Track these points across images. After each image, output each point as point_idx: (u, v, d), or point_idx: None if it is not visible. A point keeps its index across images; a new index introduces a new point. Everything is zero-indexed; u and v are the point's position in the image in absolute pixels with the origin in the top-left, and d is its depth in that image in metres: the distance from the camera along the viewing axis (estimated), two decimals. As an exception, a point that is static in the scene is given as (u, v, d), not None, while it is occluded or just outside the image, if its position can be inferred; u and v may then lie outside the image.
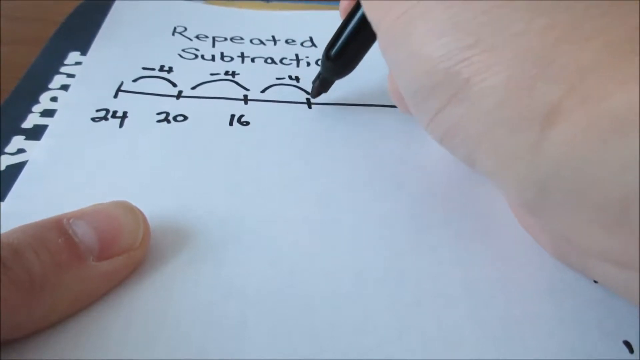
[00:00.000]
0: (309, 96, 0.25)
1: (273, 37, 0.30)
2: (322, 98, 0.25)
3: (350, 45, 0.21)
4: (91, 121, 0.22)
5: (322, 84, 0.24)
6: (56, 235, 0.14)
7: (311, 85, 0.24)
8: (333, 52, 0.22)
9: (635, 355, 0.15)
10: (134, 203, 0.17)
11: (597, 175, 0.11)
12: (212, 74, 0.26)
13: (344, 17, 0.22)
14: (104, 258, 0.15)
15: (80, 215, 0.15)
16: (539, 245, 0.18)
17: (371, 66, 0.24)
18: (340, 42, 0.21)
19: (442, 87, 0.14)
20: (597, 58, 0.12)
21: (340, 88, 0.25)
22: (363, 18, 0.20)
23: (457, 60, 0.13)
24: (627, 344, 0.15)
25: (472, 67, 0.13)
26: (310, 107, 0.24)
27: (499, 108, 0.13)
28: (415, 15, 0.14)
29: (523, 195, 0.13)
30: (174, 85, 0.25)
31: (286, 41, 0.30)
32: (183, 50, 0.28)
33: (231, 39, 0.30)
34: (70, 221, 0.15)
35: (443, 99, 0.14)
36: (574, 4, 0.12)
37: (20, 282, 0.13)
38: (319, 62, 0.22)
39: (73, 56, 0.27)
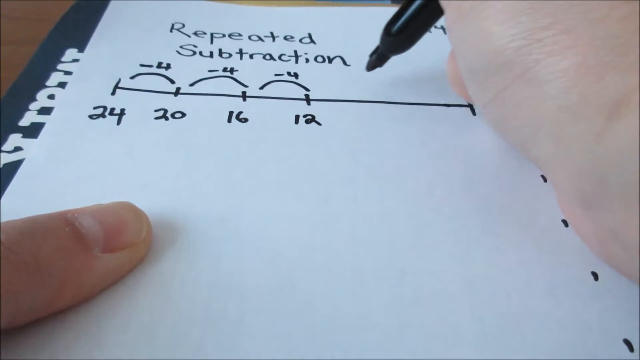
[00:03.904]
0: (308, 92, 0.25)
1: (272, 33, 0.30)
2: (322, 95, 0.25)
3: (413, 22, 0.21)
4: (88, 118, 0.22)
5: (379, 59, 0.24)
6: (63, 225, 0.14)
7: (368, 59, 0.25)
8: (395, 28, 0.22)
9: (636, 354, 0.15)
10: (132, 200, 0.17)
11: None
12: (210, 71, 0.26)
13: None
14: (109, 250, 0.15)
15: (85, 210, 0.15)
16: (585, 243, 0.17)
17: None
18: (403, 18, 0.21)
19: (509, 66, 0.13)
20: None
21: (341, 83, 0.25)
22: None
23: (531, 40, 0.13)
24: (627, 343, 0.15)
25: (544, 49, 0.13)
26: (309, 103, 0.24)
27: (566, 92, 0.12)
28: None
29: (579, 185, 0.13)
30: (172, 82, 0.25)
31: (285, 37, 0.30)
32: (181, 46, 0.28)
33: (229, 36, 0.30)
34: (76, 215, 0.15)
35: (508, 79, 0.14)
36: None
37: (25, 266, 0.13)
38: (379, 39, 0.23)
39: (70, 53, 0.27)
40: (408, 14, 0.22)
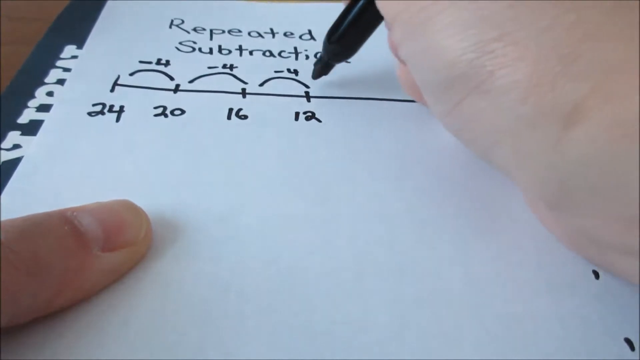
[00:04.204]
0: (308, 89, 0.25)
1: (271, 29, 0.30)
2: (322, 92, 0.24)
3: (352, 30, 0.22)
4: (88, 116, 0.22)
5: (322, 67, 0.24)
6: (62, 223, 0.14)
7: (312, 69, 0.24)
8: (335, 36, 0.22)
9: (636, 353, 0.15)
10: (131, 198, 0.17)
11: (621, 175, 0.11)
12: (209, 67, 0.26)
13: (347, 2, 0.22)
14: (108, 249, 0.15)
15: (84, 209, 0.15)
16: (556, 238, 0.17)
17: (371, 60, 0.23)
18: (342, 26, 0.22)
19: (464, 78, 0.14)
20: (623, 57, 0.11)
21: (340, 82, 0.25)
22: (366, 4, 0.20)
23: (481, 52, 0.13)
24: (628, 342, 0.15)
25: (496, 60, 0.13)
26: (309, 100, 0.24)
27: (520, 103, 0.13)
28: (440, 8, 0.14)
29: (543, 191, 0.13)
30: (172, 78, 0.25)
31: (285, 34, 0.30)
32: (180, 43, 0.28)
33: (229, 32, 0.30)
34: (75, 213, 0.15)
35: (464, 91, 0.14)
36: (598, 3, 0.12)
37: (24, 265, 0.13)
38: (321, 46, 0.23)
39: (69, 50, 0.26)
40: (347, 22, 0.22)
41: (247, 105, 0.23)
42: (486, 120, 0.14)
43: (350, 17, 0.21)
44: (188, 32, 0.29)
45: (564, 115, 0.12)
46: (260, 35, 0.29)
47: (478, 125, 0.14)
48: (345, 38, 0.22)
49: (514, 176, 0.14)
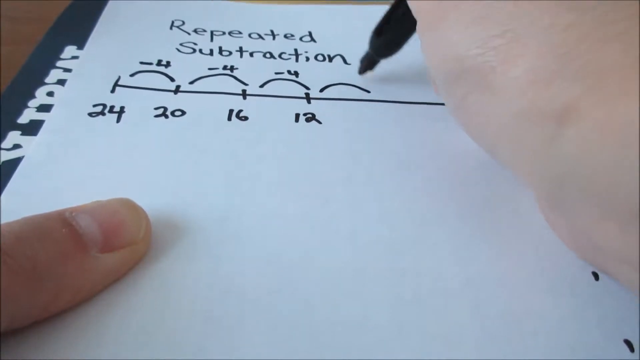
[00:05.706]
0: (308, 91, 0.25)
1: (272, 31, 0.30)
2: (322, 94, 0.24)
3: (397, 28, 0.23)
4: (88, 116, 0.22)
5: (369, 63, 0.25)
6: (60, 226, 0.14)
7: (359, 65, 0.25)
8: (381, 32, 0.23)
9: (636, 354, 0.15)
10: (132, 198, 0.17)
11: (612, 177, 0.11)
12: (210, 69, 0.26)
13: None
14: (107, 250, 0.15)
15: (82, 209, 0.15)
16: (559, 238, 0.17)
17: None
18: (388, 24, 0.23)
19: (469, 73, 0.14)
20: (617, 60, 0.11)
21: (341, 81, 0.25)
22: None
23: (486, 48, 0.13)
24: (628, 343, 0.15)
25: (498, 57, 0.13)
26: (309, 102, 0.24)
27: (519, 99, 0.13)
28: (451, 5, 0.15)
29: (542, 189, 0.13)
30: (172, 79, 0.25)
31: (285, 36, 0.30)
32: (181, 44, 0.28)
33: (229, 33, 0.30)
34: (73, 214, 0.15)
35: (469, 85, 0.14)
36: (599, 4, 0.12)
37: (22, 270, 0.13)
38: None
39: (69, 50, 0.27)
40: (392, 21, 0.23)
41: (247, 106, 0.23)
42: (489, 116, 0.14)
43: (395, 14, 0.22)
44: (189, 34, 0.29)
45: (558, 113, 0.12)
46: (260, 36, 0.30)
47: (482, 119, 0.14)
48: (390, 36, 0.23)
49: (516, 172, 0.15)
